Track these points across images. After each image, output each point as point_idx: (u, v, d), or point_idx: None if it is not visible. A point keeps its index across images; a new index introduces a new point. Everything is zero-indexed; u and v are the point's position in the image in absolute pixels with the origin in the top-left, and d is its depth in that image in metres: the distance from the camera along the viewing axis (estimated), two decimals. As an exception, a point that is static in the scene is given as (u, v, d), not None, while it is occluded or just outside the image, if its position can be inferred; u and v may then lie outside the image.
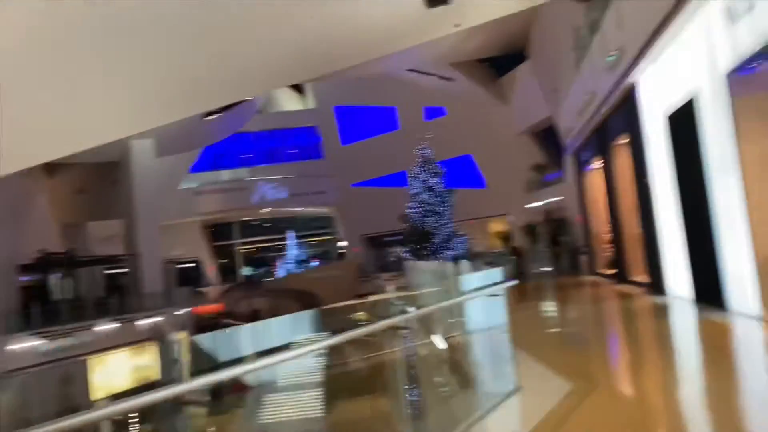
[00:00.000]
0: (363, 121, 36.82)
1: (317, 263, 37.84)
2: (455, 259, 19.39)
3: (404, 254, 23.63)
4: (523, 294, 16.72)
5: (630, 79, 11.17)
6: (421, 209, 23.04)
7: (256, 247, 41.42)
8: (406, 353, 4.34)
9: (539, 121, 26.39)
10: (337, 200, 36.68)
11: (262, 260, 40.40)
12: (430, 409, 6.35)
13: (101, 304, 24.66)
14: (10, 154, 12.68)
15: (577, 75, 15.71)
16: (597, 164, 16.24)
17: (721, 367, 5.81)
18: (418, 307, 7.94)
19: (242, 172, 39.10)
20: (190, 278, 35.93)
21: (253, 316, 24.69)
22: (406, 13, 14.84)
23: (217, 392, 7.57)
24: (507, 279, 7.07)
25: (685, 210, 9.68)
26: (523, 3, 16.35)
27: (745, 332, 7.26)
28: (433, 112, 33.29)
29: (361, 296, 20.97)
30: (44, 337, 20.05)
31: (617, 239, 14.58)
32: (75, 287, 26.31)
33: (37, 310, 21.46)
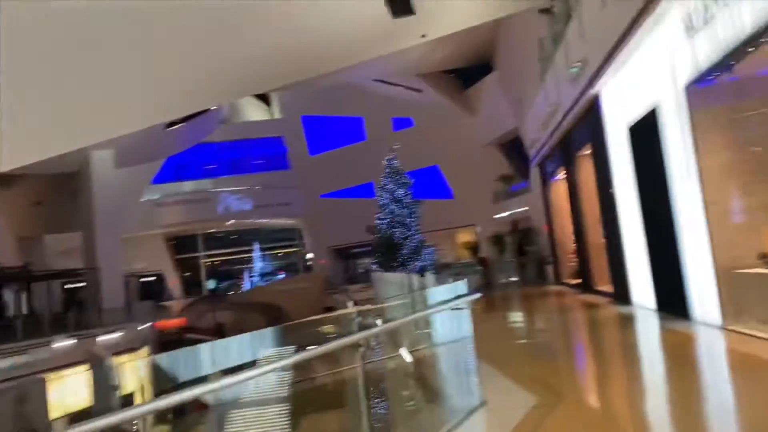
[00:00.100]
0: (330, 131, 36.67)
1: (283, 276, 37.42)
2: (422, 271, 19.33)
3: (372, 266, 23.51)
4: (490, 304, 16.71)
5: (593, 91, 11.28)
6: (388, 220, 22.95)
7: (221, 260, 40.82)
8: (372, 367, 4.19)
9: (506, 132, 26.65)
10: (304, 211, 36.37)
11: (227, 273, 39.80)
12: (396, 425, 6.21)
13: (59, 320, 23.86)
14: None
15: (542, 86, 15.86)
16: (562, 174, 16.38)
17: (685, 377, 5.80)
18: (385, 321, 7.80)
19: (206, 183, 38.54)
20: (152, 292, 35.30)
21: (218, 330, 24.26)
22: (373, 23, 14.82)
23: (180, 411, 7.34)
24: (472, 291, 6.97)
25: (647, 220, 9.76)
26: (488, 15, 16.49)
27: (707, 342, 7.29)
28: (401, 123, 33.35)
29: (328, 309, 20.73)
30: (-2, 354, 19.26)
31: (582, 249, 14.68)
32: (31, 302, 25.46)
33: (-9, 325, 20.65)
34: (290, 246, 40.71)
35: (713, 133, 7.42)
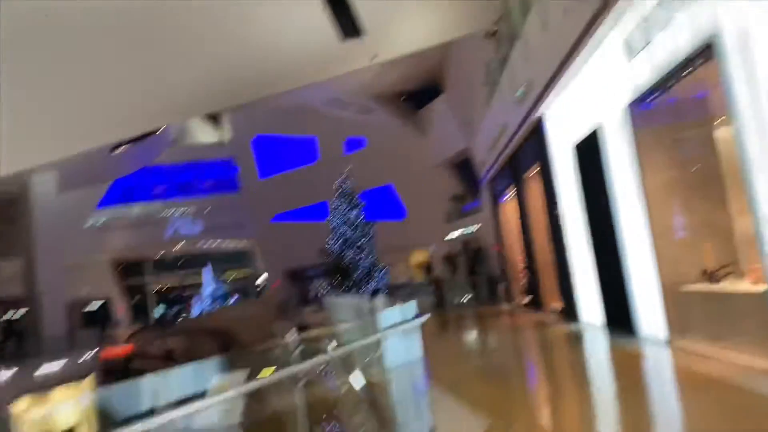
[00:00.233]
0: (282, 152, 36.37)
1: (236, 299, 36.60)
2: (374, 293, 19.19)
3: (325, 288, 23.24)
4: (443, 325, 16.66)
5: (538, 112, 11.48)
6: (341, 242, 22.78)
7: (170, 285, 39.69)
8: (324, 393, 4.02)
9: (457, 153, 26.92)
10: (256, 234, 35.82)
11: (177, 298, 38.71)
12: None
13: (-4, 350, 22.67)
14: None
15: (490, 108, 16.09)
16: (511, 194, 16.58)
17: (634, 397, 5.82)
18: (339, 345, 7.60)
19: (154, 207, 37.55)
20: (97, 319, 34.08)
21: (167, 358, 23.44)
22: (322, 44, 14.81)
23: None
24: (422, 312, 6.88)
25: (594, 238, 9.91)
26: (435, 39, 16.70)
27: (654, 359, 7.37)
28: (354, 144, 33.35)
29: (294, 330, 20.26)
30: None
31: (532, 268, 14.83)
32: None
33: None
34: (241, 269, 39.96)
35: (655, 153, 7.59)
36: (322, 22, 13.47)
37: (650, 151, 7.59)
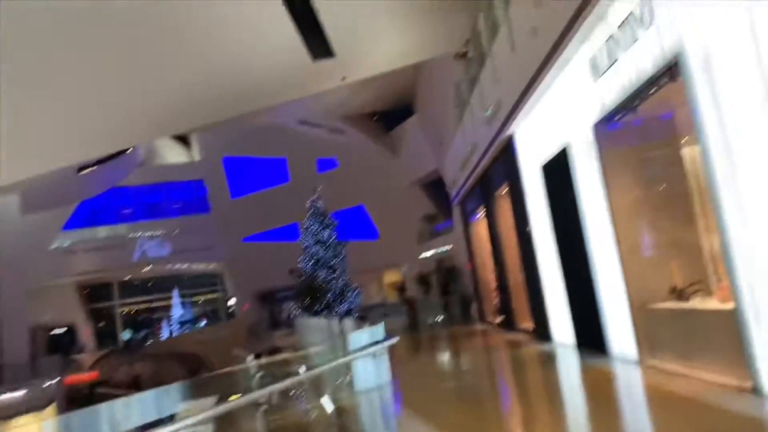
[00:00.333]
0: (253, 173, 36.08)
1: (205, 323, 35.96)
2: (347, 314, 18.96)
3: (296, 310, 22.89)
4: (416, 346, 16.53)
5: (507, 131, 11.52)
6: (313, 263, 22.50)
7: (138, 308, 38.83)
8: (295, 418, 3.85)
9: (428, 173, 27.01)
10: (225, 256, 35.30)
11: (145, 322, 37.88)
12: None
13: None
14: None
15: (460, 128, 16.17)
16: (482, 213, 16.62)
17: (606, 417, 5.75)
18: (309, 368, 7.40)
19: (121, 229, 36.81)
20: (61, 345, 33.24)
21: (134, 384, 22.78)
22: (293, 64, 14.76)
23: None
24: (390, 335, 6.75)
25: (563, 257, 9.91)
26: (405, 59, 16.80)
27: (625, 378, 7.34)
28: (325, 164, 33.26)
29: (257, 356, 19.88)
30: None
31: (504, 287, 14.80)
32: None
33: None
34: (211, 292, 39.31)
35: (622, 172, 7.62)
36: (292, 42, 13.42)
37: (617, 171, 7.61)
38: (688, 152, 7.13)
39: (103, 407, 7.85)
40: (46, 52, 12.07)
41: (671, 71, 5.79)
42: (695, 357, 6.33)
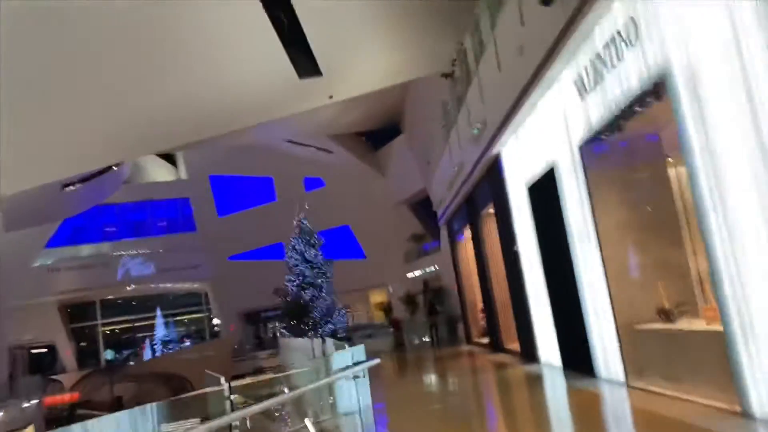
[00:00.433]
0: (239, 191, 35.90)
1: (189, 343, 35.45)
2: (332, 335, 18.73)
3: (281, 331, 22.60)
4: (402, 366, 16.32)
5: (494, 151, 11.49)
6: (299, 282, 22.28)
7: (121, 328, 38.26)
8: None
9: (415, 192, 26.99)
10: (211, 275, 34.96)
11: (128, 342, 37.29)
12: None
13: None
14: None
15: (447, 147, 16.15)
16: (468, 233, 16.54)
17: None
18: (291, 389, 7.20)
19: (105, 247, 36.39)
20: (42, 365, 32.66)
21: (116, 404, 22.31)
22: (281, 83, 14.72)
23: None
24: (373, 356, 6.60)
25: (550, 277, 9.82)
26: (392, 79, 16.81)
27: (612, 400, 7.22)
28: (312, 183, 33.18)
29: (236, 377, 19.57)
30: None
31: (490, 308, 14.67)
32: None
33: None
34: (196, 311, 38.82)
35: (609, 192, 7.57)
36: (279, 60, 13.38)
37: (604, 191, 7.57)
38: (675, 172, 7.10)
39: (76, 428, 7.59)
40: (29, 70, 11.94)
41: (657, 90, 5.76)
42: (683, 379, 6.24)
